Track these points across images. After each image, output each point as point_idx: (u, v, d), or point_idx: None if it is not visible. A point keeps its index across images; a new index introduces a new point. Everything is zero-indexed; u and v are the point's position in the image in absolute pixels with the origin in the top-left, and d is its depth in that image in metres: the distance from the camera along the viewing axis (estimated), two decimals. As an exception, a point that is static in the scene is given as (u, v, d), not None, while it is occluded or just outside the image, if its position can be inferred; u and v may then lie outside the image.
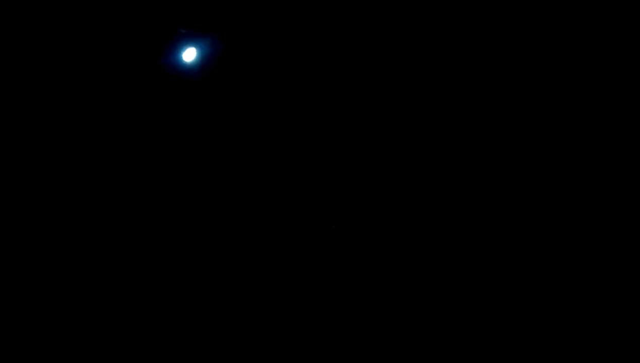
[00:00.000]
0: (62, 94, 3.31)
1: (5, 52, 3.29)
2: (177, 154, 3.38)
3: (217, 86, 3.77)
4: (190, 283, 3.13)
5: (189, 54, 3.98)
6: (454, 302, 3.35)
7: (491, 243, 3.35)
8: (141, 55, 3.64)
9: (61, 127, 3.22)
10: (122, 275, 2.86)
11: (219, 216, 3.21)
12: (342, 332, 3.28)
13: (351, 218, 3.35)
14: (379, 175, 3.45)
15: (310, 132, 3.58)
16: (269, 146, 3.61)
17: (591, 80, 3.36)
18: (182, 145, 3.34)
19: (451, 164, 3.45)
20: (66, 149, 3.13)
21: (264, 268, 3.34)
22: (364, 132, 3.57)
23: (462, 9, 3.40)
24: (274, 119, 3.61)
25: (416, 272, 3.35)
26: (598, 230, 3.33)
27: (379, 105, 3.56)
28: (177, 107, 3.39)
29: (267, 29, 3.76)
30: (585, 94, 3.37)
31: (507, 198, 3.40)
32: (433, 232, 3.38)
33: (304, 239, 3.30)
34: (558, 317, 3.30)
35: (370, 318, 3.32)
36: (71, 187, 3.00)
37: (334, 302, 3.30)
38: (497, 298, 3.34)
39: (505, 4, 3.33)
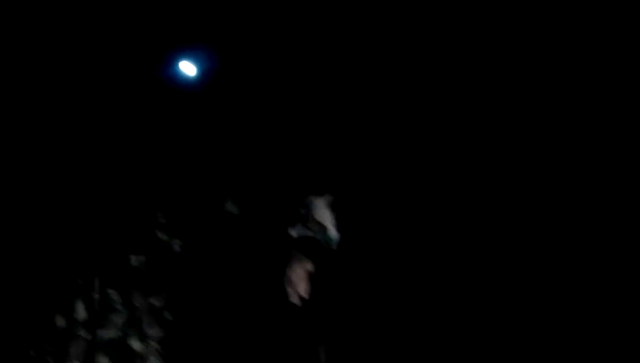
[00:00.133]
0: (63, 106, 3.38)
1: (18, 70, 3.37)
2: (176, 163, 3.44)
3: (216, 97, 3.84)
4: (191, 283, 3.19)
5: (188, 67, 4.07)
6: (453, 301, 3.37)
7: (490, 242, 3.37)
8: (142, 68, 3.72)
9: (63, 140, 3.29)
10: (122, 275, 2.91)
11: (216, 216, 3.26)
12: (337, 329, 3.30)
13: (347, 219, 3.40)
14: (377, 183, 3.49)
15: (308, 141, 3.64)
16: (267, 155, 3.66)
17: (591, 80, 3.39)
18: (181, 154, 3.41)
19: (450, 163, 3.48)
20: (68, 163, 3.19)
21: (262, 267, 3.38)
22: (358, 152, 3.60)
23: (462, 9, 3.44)
24: (272, 129, 3.67)
25: (416, 271, 3.38)
26: (598, 230, 3.34)
27: (375, 125, 3.59)
28: (178, 116, 3.46)
29: (264, 41, 3.83)
30: (586, 94, 3.40)
31: (507, 198, 3.42)
32: (432, 230, 3.41)
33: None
34: (558, 317, 3.31)
35: (369, 317, 3.34)
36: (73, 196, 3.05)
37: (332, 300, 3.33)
38: (496, 298, 3.37)
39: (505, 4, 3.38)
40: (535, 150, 3.45)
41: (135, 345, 2.93)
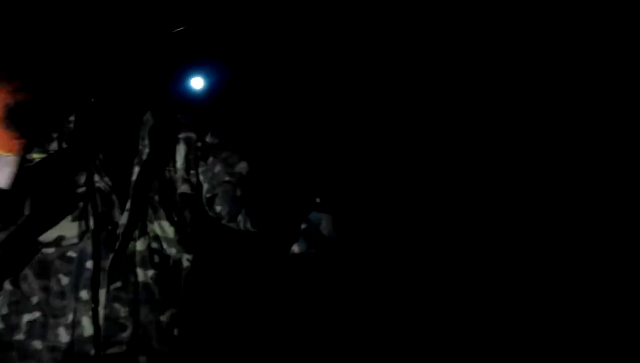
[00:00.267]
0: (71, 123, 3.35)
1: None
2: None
3: (225, 112, 3.82)
4: (200, 299, 3.12)
5: (197, 82, 4.05)
6: (453, 301, 3.29)
7: (490, 242, 3.30)
8: (150, 83, 3.69)
9: (70, 156, 3.25)
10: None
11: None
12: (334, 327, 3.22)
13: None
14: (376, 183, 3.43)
15: (314, 156, 3.60)
16: (277, 169, 3.61)
17: (591, 80, 3.36)
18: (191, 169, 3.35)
19: (450, 163, 3.43)
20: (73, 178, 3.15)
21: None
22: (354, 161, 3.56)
23: (461, 9, 3.43)
24: (281, 143, 3.63)
25: (414, 270, 3.30)
26: (597, 230, 3.28)
27: (374, 135, 3.56)
28: (189, 128, 3.40)
29: (272, 56, 3.81)
30: (585, 94, 3.37)
31: (506, 198, 3.36)
32: (432, 230, 3.34)
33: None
34: (558, 317, 3.23)
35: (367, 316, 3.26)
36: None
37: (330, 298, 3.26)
38: (496, 297, 3.28)
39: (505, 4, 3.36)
40: (535, 150, 3.40)
41: (142, 360, 2.85)
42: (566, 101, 3.39)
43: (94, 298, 2.77)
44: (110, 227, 2.90)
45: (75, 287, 2.77)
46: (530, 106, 3.43)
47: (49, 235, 2.86)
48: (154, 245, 2.97)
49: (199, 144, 3.30)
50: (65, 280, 2.79)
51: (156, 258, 2.96)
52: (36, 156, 2.93)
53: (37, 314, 2.77)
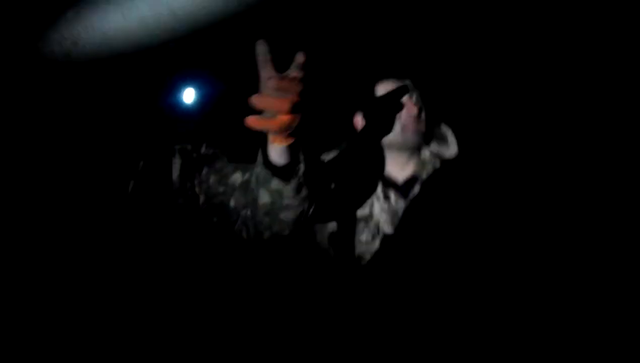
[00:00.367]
0: (62, 137, 3.36)
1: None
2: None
3: (219, 123, 3.83)
4: (206, 308, 3.12)
5: (189, 95, 4.06)
6: (452, 301, 3.31)
7: (490, 242, 3.33)
8: (140, 96, 3.71)
9: (62, 171, 3.25)
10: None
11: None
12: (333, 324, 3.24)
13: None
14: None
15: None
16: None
17: (591, 80, 3.39)
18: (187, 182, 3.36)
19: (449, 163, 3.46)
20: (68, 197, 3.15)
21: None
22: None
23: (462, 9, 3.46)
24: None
25: (414, 269, 3.32)
26: (597, 230, 3.31)
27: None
28: (178, 142, 3.42)
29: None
30: (586, 94, 3.40)
31: (506, 197, 3.39)
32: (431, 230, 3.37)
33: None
34: (558, 317, 3.25)
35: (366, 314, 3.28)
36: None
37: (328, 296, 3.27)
38: (496, 297, 3.30)
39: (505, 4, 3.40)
40: (534, 150, 3.43)
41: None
42: (566, 101, 3.43)
43: None
44: None
45: None
46: (531, 106, 3.47)
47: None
48: None
49: (195, 155, 3.31)
50: None
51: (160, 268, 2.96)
52: None
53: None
